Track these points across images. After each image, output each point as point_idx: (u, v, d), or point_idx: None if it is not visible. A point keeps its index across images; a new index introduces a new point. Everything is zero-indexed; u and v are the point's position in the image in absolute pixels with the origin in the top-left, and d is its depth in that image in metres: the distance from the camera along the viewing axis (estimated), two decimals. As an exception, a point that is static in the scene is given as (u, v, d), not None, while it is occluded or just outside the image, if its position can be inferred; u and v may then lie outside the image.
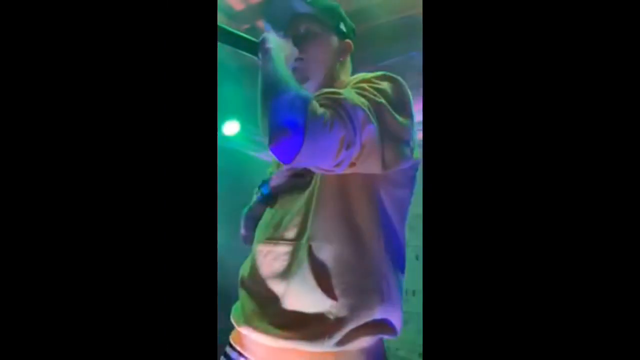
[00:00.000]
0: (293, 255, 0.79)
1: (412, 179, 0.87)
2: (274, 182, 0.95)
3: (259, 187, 1.00)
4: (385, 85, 0.78)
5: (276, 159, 0.94)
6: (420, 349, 2.91)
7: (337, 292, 0.74)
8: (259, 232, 0.93)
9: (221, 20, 0.81)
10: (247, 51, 0.89)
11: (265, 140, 0.67)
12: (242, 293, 0.89)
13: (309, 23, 0.94)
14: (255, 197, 1.02)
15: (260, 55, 0.83)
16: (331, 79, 0.95)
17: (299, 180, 0.88)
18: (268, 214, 0.94)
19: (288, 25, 0.95)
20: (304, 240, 0.78)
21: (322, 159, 0.68)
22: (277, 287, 0.80)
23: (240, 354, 0.86)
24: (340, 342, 0.73)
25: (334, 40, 0.97)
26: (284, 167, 0.93)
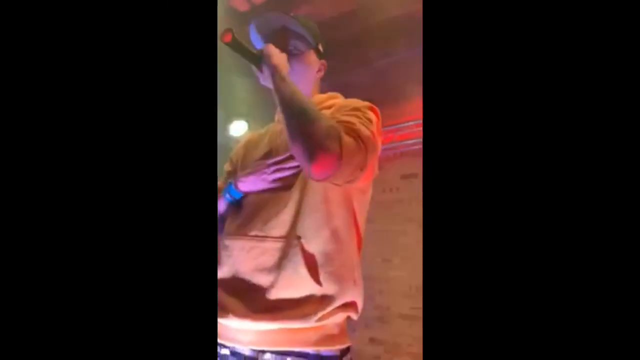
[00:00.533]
0: (283, 251, 0.90)
1: (370, 187, 1.04)
2: (250, 186, 1.00)
3: (227, 189, 1.03)
4: (372, 116, 0.94)
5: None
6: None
7: (322, 279, 0.89)
8: (233, 229, 0.98)
9: (224, 21, 0.83)
10: (250, 61, 0.95)
11: (301, 159, 0.81)
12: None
13: (295, 40, 1.03)
14: (225, 197, 1.04)
15: (266, 70, 0.91)
16: (309, 95, 1.05)
17: (282, 185, 0.96)
18: (244, 212, 0.99)
19: (277, 41, 1.00)
20: (294, 237, 0.90)
21: (343, 177, 0.83)
22: (263, 279, 0.89)
23: (223, 345, 0.93)
24: (320, 319, 0.87)
25: (314, 58, 1.08)
26: (265, 173, 0.98)
